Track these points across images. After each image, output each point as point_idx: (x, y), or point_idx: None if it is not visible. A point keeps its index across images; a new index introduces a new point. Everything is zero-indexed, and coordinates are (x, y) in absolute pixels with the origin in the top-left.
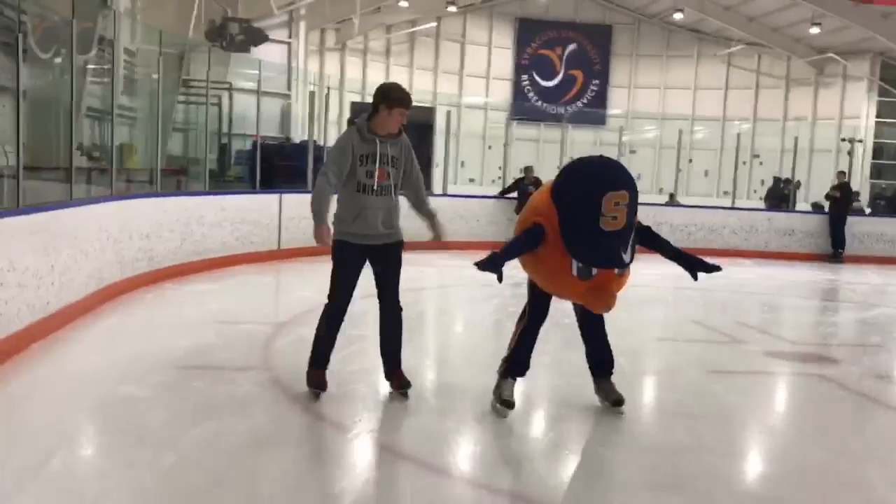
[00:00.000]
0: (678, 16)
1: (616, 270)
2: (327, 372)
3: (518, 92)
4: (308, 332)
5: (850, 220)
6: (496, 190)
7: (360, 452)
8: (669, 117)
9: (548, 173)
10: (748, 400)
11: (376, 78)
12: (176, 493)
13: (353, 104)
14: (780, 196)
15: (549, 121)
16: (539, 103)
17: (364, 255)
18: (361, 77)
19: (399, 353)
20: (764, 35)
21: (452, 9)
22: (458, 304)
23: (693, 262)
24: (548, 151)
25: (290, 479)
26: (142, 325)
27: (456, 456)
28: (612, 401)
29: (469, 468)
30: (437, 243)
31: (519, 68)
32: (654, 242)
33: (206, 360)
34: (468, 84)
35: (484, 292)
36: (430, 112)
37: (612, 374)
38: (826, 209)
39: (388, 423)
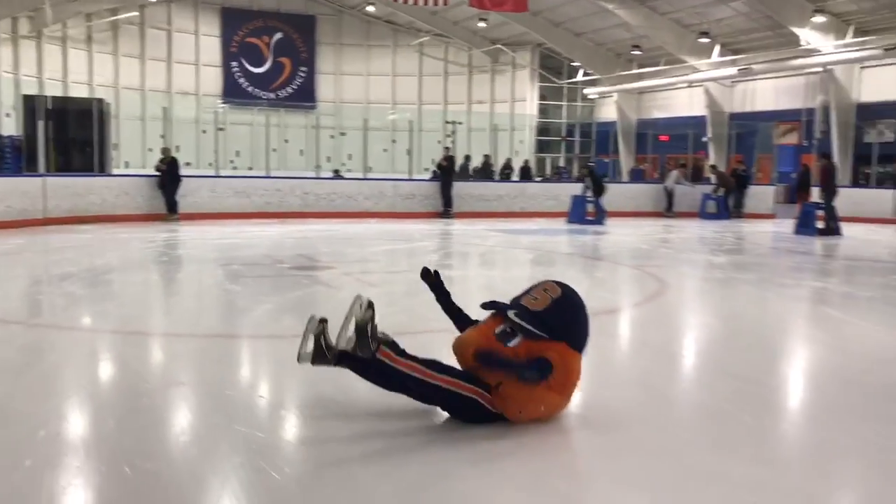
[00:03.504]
0: (371, 8)
1: None
2: None
3: (228, 78)
4: None
5: (456, 185)
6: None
7: None
8: (374, 102)
9: (259, 156)
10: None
11: (79, 66)
12: None
13: (25, 97)
14: (487, 170)
15: (261, 105)
16: (250, 89)
17: None
18: (62, 66)
19: None
20: (447, 28)
21: None
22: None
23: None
24: (260, 134)
25: None
26: None
27: None
28: None
29: None
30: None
31: (228, 56)
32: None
33: None
34: (177, 71)
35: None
36: (91, 101)
37: None
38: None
39: None
